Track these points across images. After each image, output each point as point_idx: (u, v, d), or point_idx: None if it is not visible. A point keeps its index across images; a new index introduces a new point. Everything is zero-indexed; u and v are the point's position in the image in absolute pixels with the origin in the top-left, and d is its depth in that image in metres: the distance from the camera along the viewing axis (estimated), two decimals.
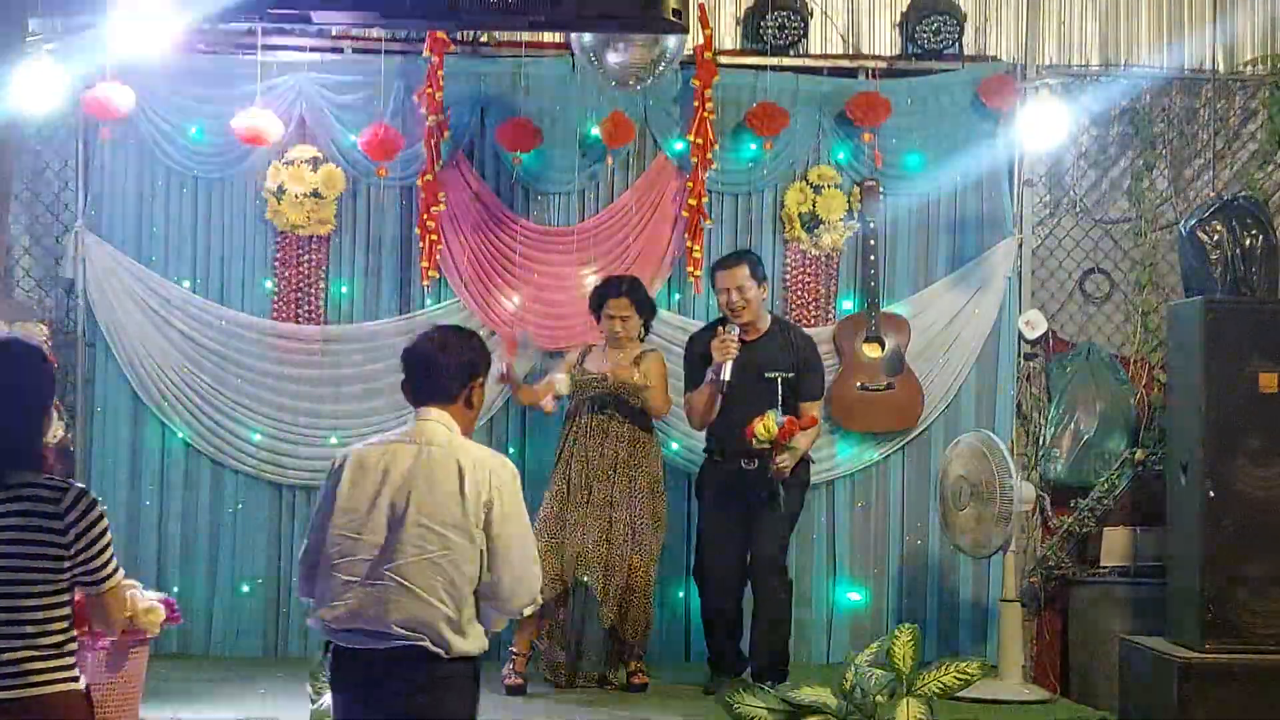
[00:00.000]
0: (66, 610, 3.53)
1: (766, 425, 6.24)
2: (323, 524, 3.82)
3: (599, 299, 6.71)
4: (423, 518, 3.74)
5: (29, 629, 3.46)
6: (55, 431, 7.09)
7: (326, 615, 3.74)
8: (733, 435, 6.41)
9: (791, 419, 6.30)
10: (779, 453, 6.31)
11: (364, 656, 3.72)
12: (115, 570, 3.59)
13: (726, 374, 6.32)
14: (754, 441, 6.26)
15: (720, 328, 6.48)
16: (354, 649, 3.73)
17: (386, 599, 3.69)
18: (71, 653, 3.54)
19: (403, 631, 3.68)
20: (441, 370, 3.92)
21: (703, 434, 6.75)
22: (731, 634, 6.64)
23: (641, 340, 6.76)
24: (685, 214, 7.35)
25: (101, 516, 3.56)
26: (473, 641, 3.76)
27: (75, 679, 3.53)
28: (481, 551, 3.75)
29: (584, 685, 6.56)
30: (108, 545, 3.58)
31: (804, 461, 6.62)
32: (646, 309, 6.75)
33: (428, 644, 3.68)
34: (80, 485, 3.60)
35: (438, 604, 3.69)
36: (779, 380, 6.40)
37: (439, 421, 3.90)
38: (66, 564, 3.51)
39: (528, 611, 3.92)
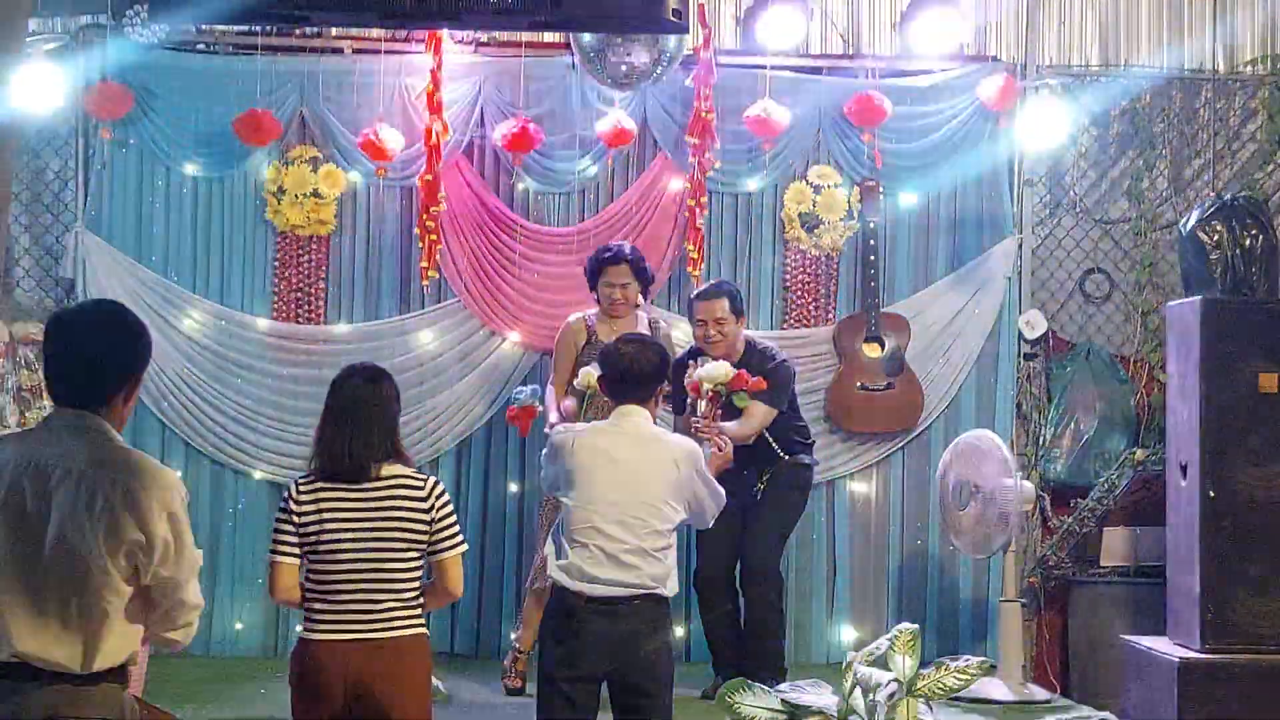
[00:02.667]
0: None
1: (713, 373, 6.04)
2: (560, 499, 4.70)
3: (596, 266, 6.53)
4: (646, 493, 4.62)
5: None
6: None
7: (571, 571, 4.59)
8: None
9: (745, 374, 6.08)
10: (714, 404, 6.06)
11: (608, 603, 4.56)
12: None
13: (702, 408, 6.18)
14: (700, 390, 6.05)
15: (692, 362, 6.30)
16: (600, 597, 4.56)
17: (626, 561, 4.57)
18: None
19: (648, 583, 4.58)
20: (640, 374, 4.72)
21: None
22: (733, 636, 6.60)
23: (638, 309, 6.61)
24: (687, 216, 7.35)
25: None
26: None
27: (423, 626, 4.32)
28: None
29: None
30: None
31: (806, 467, 6.60)
32: (645, 277, 6.58)
33: (663, 591, 4.63)
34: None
35: (664, 562, 4.63)
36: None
37: (641, 416, 4.73)
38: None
39: None
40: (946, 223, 7.65)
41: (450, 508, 4.33)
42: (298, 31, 7.34)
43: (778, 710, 5.27)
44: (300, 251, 7.39)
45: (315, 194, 7.29)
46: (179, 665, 6.86)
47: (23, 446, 3.37)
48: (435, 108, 7.18)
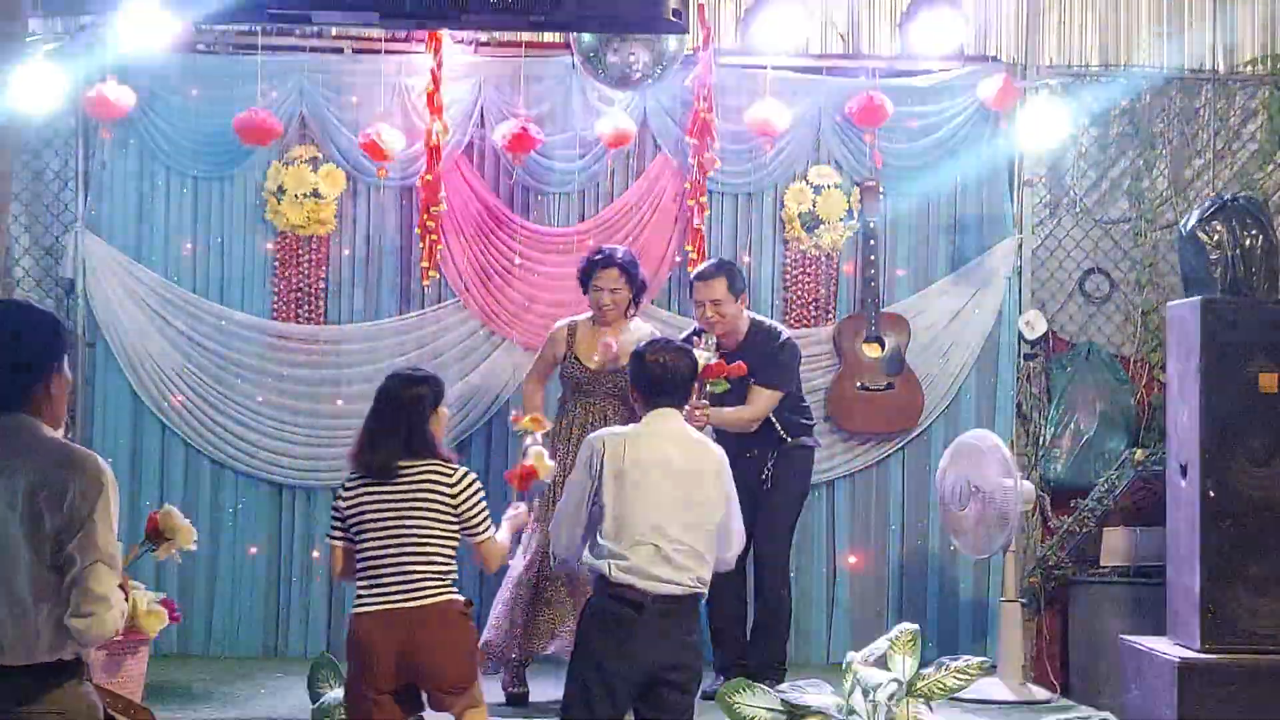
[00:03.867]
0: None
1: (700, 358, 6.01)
2: (598, 498, 4.74)
3: (588, 269, 6.48)
4: (701, 495, 4.80)
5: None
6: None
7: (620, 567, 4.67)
8: (728, 434, 6.35)
9: (722, 363, 6.16)
10: (698, 394, 6.09)
11: (670, 601, 4.67)
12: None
13: (704, 395, 6.23)
14: None
15: (696, 338, 6.33)
16: (664, 595, 4.65)
17: (682, 562, 4.68)
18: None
19: (698, 584, 4.73)
20: (675, 378, 4.89)
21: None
22: (740, 632, 6.59)
23: (628, 318, 6.55)
24: (696, 223, 7.34)
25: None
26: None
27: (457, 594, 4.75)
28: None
29: None
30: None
31: (809, 449, 6.60)
32: (637, 283, 6.51)
33: (704, 591, 4.80)
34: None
35: (710, 564, 4.81)
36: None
37: (677, 420, 4.90)
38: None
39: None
40: (946, 223, 7.66)
41: (478, 496, 4.74)
42: (298, 31, 7.34)
43: (778, 710, 5.29)
44: (300, 251, 7.39)
45: (315, 194, 7.29)
46: (179, 665, 6.86)
47: None
48: (435, 108, 7.19)
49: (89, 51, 7.14)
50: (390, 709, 4.67)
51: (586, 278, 6.48)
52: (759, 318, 6.73)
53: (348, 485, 4.78)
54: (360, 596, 4.73)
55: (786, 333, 6.68)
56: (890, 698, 5.25)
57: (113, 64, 7.12)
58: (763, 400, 6.39)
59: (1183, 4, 7.79)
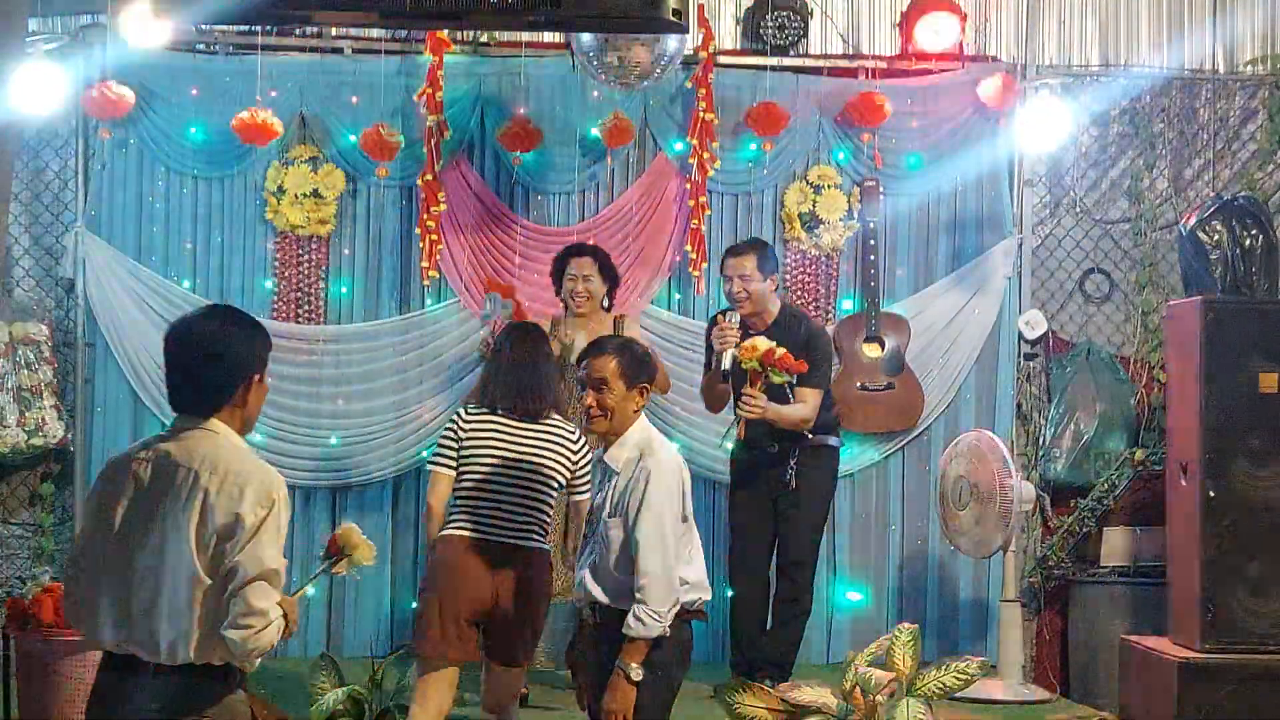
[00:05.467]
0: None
1: (755, 343, 6.06)
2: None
3: (560, 261, 6.59)
4: None
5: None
6: (55, 431, 7.10)
7: None
8: (752, 435, 6.35)
9: (789, 355, 6.06)
10: (755, 382, 6.09)
11: None
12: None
13: (726, 362, 6.19)
14: (740, 358, 6.08)
15: (720, 315, 6.42)
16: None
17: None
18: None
19: None
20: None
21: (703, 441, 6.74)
22: (758, 634, 6.57)
23: (607, 310, 6.59)
24: (693, 222, 7.34)
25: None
26: None
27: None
28: None
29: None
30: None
31: (833, 449, 6.55)
32: (610, 274, 6.59)
33: None
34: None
35: None
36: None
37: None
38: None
39: None
40: (946, 223, 7.65)
41: (591, 462, 4.99)
42: (298, 31, 7.34)
43: (778, 710, 5.28)
44: (300, 251, 7.39)
45: (315, 194, 7.29)
46: None
47: (147, 442, 3.52)
48: (435, 108, 7.19)
49: (89, 51, 7.15)
50: (469, 643, 4.88)
51: (560, 269, 6.58)
52: (789, 304, 6.74)
53: (471, 413, 5.10)
54: (463, 523, 4.95)
55: (818, 322, 6.79)
56: (890, 698, 5.25)
57: (113, 64, 7.12)
58: (813, 401, 6.31)
59: (1183, 4, 7.80)
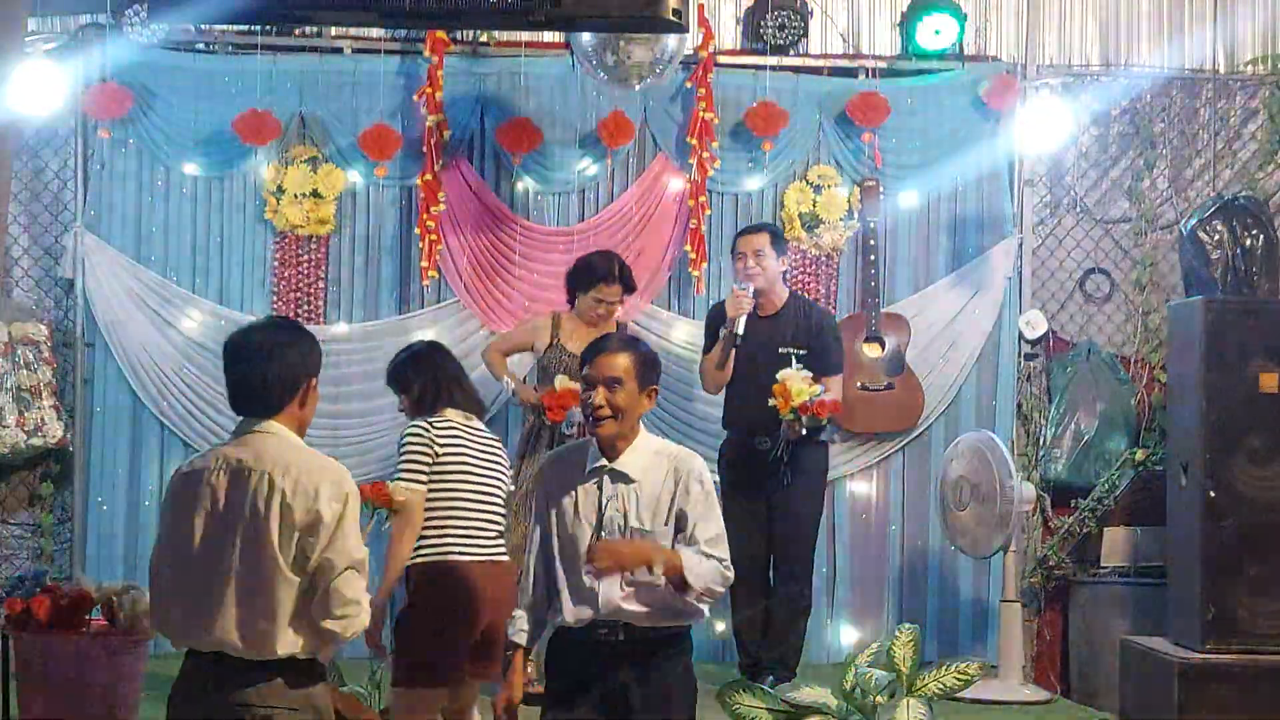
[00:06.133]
0: None
1: (797, 389, 6.18)
2: None
3: (589, 279, 6.42)
4: None
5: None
6: (55, 431, 7.10)
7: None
8: (746, 410, 6.39)
9: (823, 402, 6.22)
10: (792, 431, 6.27)
11: None
12: None
13: (740, 327, 6.33)
14: (781, 401, 6.20)
15: (735, 287, 6.47)
16: None
17: None
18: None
19: None
20: None
21: (700, 442, 6.74)
22: (762, 633, 6.56)
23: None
24: (693, 222, 7.34)
25: None
26: None
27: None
28: None
29: None
30: None
31: (824, 445, 6.61)
32: (632, 288, 6.58)
33: None
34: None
35: None
36: (793, 355, 6.38)
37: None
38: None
39: None
40: (946, 223, 7.65)
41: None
42: (298, 31, 7.34)
43: (778, 710, 5.28)
44: (300, 251, 7.39)
45: (315, 194, 7.29)
46: (178, 664, 6.84)
47: (215, 452, 3.67)
48: (435, 108, 7.19)
49: (89, 51, 7.14)
50: (477, 661, 4.80)
51: (585, 286, 6.42)
52: (798, 293, 6.89)
53: (438, 425, 4.89)
54: (454, 542, 4.82)
55: (827, 310, 6.98)
56: (890, 698, 5.25)
57: (112, 64, 7.12)
58: (838, 386, 6.52)
59: (1183, 4, 7.80)
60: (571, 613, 4.13)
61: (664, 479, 4.10)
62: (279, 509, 3.50)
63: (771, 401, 6.25)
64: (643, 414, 4.20)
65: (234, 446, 3.63)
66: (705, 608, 4.19)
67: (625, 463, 4.13)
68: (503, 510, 5.02)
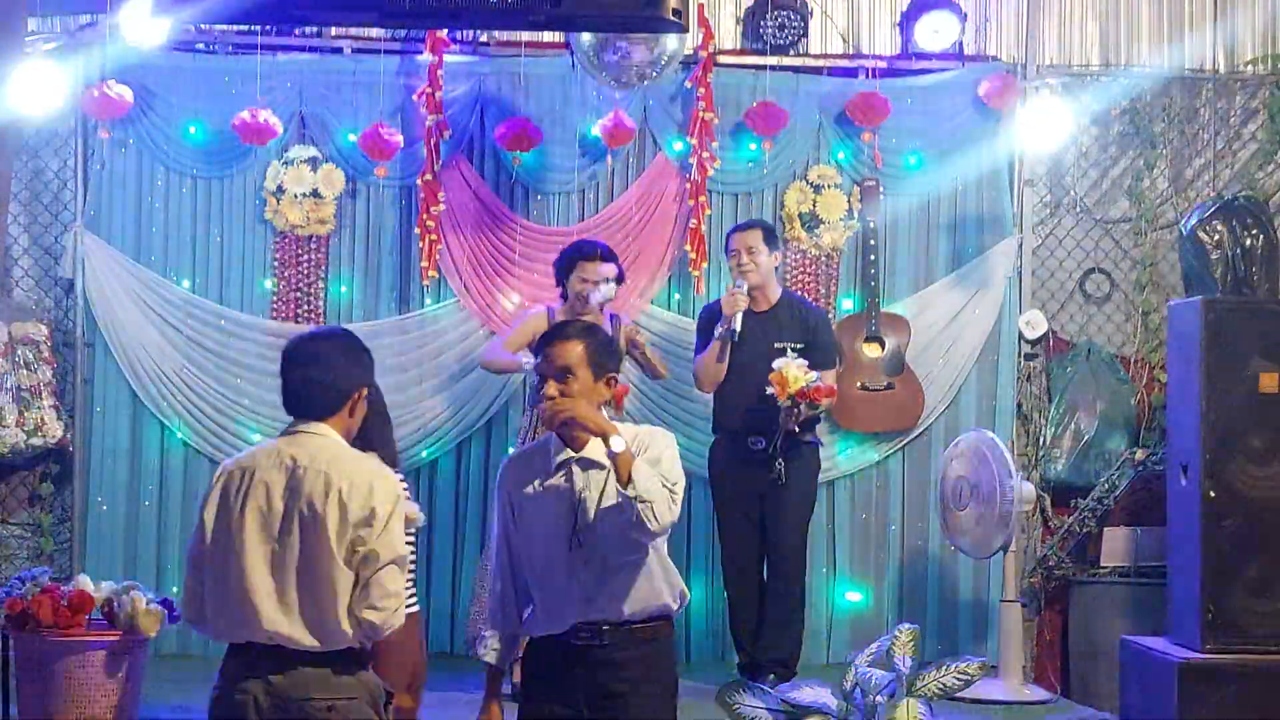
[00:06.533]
0: None
1: (794, 375, 6.18)
2: None
3: (570, 262, 6.43)
4: None
5: None
6: (55, 431, 7.09)
7: None
8: (740, 408, 6.40)
9: (819, 387, 6.23)
10: (794, 418, 6.27)
11: None
12: None
13: (737, 324, 6.35)
14: (779, 389, 6.20)
15: (730, 286, 6.48)
16: None
17: None
18: None
19: None
20: None
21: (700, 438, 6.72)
22: (759, 627, 6.58)
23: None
24: (693, 222, 7.34)
25: None
26: None
27: None
28: None
29: None
30: None
31: (815, 447, 6.62)
32: (620, 277, 6.54)
33: None
34: None
35: None
36: (788, 351, 6.39)
37: None
38: None
39: None
40: (946, 223, 7.65)
41: None
42: (297, 31, 7.34)
43: (778, 710, 5.28)
44: (300, 251, 7.38)
45: (315, 194, 7.29)
46: (178, 664, 6.85)
47: (265, 449, 3.79)
48: (435, 108, 7.19)
49: (89, 51, 7.13)
50: None
51: (569, 268, 6.44)
52: (790, 291, 6.95)
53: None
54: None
55: (820, 307, 6.98)
56: (890, 698, 5.25)
57: (112, 64, 7.12)
58: (832, 378, 6.53)
59: (1183, 4, 7.80)
60: (545, 623, 4.04)
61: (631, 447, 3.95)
62: (337, 504, 3.61)
63: (769, 390, 6.24)
64: (603, 402, 4.05)
65: (286, 444, 3.75)
66: (674, 605, 4.08)
67: (593, 450, 3.98)
68: None
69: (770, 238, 6.57)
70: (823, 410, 6.49)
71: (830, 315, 7.49)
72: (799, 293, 7.26)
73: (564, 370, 3.96)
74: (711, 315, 6.58)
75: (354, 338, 4.02)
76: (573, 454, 4.01)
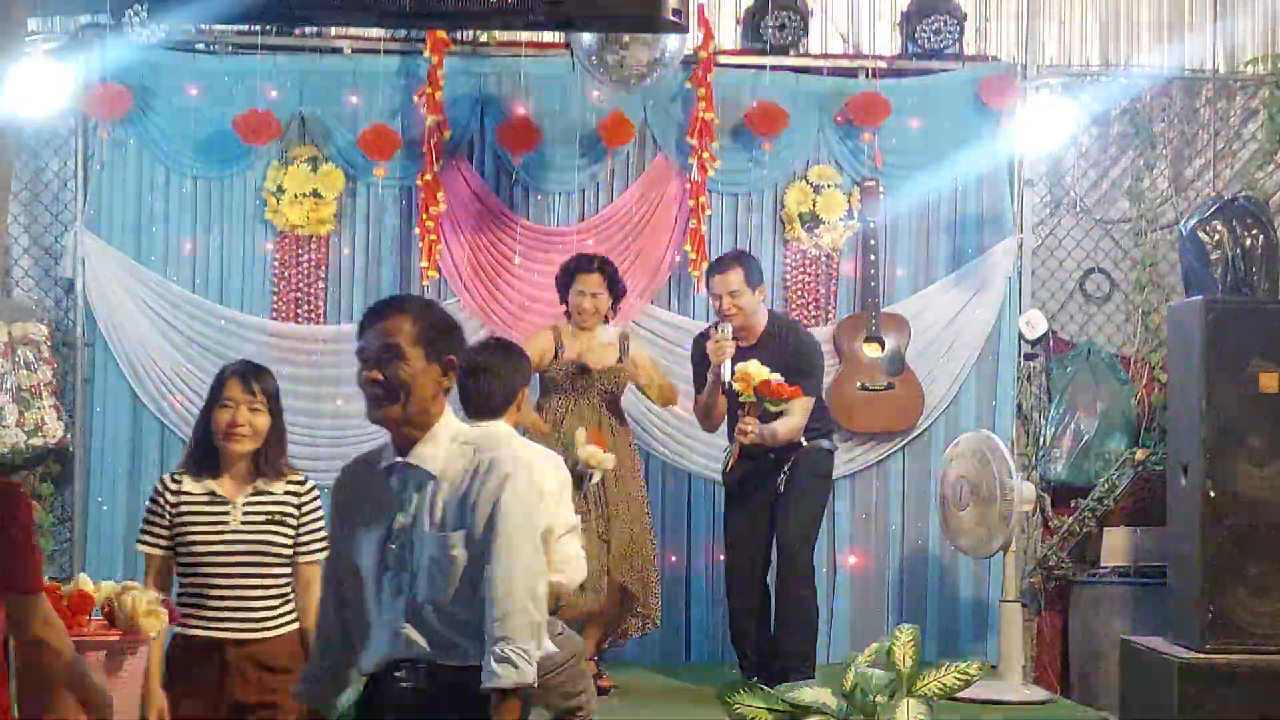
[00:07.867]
0: None
1: (755, 370, 6.10)
2: None
3: (568, 274, 6.51)
4: None
5: None
6: (55, 431, 7.09)
7: None
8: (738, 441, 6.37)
9: (784, 384, 6.13)
10: (750, 412, 6.17)
11: None
12: None
13: (726, 375, 6.27)
14: (742, 384, 6.12)
15: (713, 329, 6.43)
16: None
17: None
18: None
19: None
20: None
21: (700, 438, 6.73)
22: (763, 639, 6.58)
23: (606, 323, 6.58)
24: (693, 222, 7.34)
25: None
26: None
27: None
28: None
29: None
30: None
31: (826, 452, 6.60)
32: (617, 288, 6.57)
33: None
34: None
35: None
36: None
37: None
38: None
39: None
40: (946, 223, 7.65)
41: None
42: (298, 31, 7.34)
43: (778, 710, 5.27)
44: (300, 251, 7.38)
45: (315, 194, 7.29)
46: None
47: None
48: (435, 108, 7.19)
49: (89, 51, 7.13)
50: None
51: (568, 281, 6.51)
52: (777, 312, 6.84)
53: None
54: None
55: (808, 332, 6.76)
56: (890, 698, 5.25)
57: (112, 64, 7.11)
58: (801, 412, 6.33)
59: (1183, 4, 7.80)
60: (371, 658, 3.40)
61: (468, 468, 3.31)
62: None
63: (736, 385, 6.17)
64: (442, 391, 3.41)
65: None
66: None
67: (419, 454, 3.33)
68: None
69: (751, 273, 6.43)
70: (783, 409, 6.33)
71: (831, 316, 7.51)
72: (798, 306, 7.30)
73: (388, 350, 3.37)
74: (702, 352, 6.48)
75: (513, 345, 4.96)
76: (400, 458, 3.46)
